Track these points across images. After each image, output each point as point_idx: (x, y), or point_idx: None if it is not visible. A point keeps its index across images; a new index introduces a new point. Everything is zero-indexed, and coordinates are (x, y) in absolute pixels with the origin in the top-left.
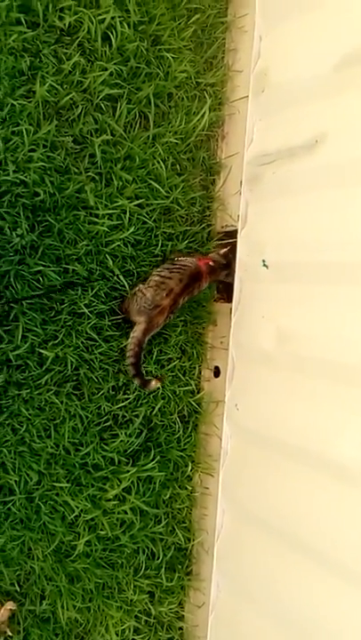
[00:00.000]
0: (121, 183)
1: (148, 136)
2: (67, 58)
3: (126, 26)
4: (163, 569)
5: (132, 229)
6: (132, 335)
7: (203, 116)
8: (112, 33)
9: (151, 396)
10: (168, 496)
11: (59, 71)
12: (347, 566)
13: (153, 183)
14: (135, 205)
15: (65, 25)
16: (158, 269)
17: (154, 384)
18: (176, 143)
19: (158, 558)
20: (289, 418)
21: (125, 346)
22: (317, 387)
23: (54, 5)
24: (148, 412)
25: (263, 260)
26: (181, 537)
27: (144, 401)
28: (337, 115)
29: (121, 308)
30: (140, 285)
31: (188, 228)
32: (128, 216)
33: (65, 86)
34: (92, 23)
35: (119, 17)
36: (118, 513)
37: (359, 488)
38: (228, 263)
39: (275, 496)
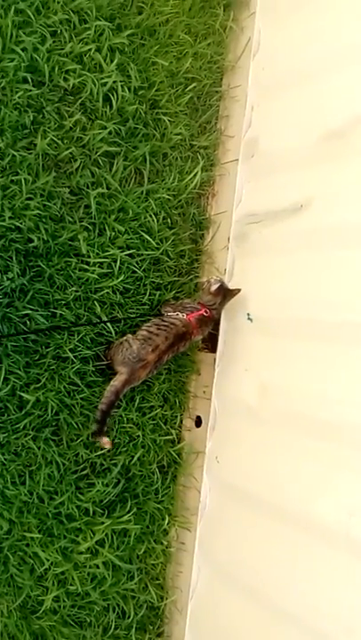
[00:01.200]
0: (113, 233)
1: (143, 191)
2: (69, 115)
3: (127, 90)
4: (133, 629)
5: (121, 277)
6: (111, 384)
7: (195, 175)
8: (113, 95)
9: (131, 444)
10: (142, 550)
11: (60, 127)
12: (325, 632)
13: (144, 235)
14: (126, 255)
15: (69, 85)
16: (148, 324)
17: (105, 441)
18: (168, 199)
19: (129, 617)
20: (270, 474)
21: (102, 392)
22: (299, 443)
23: (60, 67)
24: (127, 460)
25: (248, 314)
26: (154, 595)
27: (123, 449)
28: (320, 183)
29: (106, 355)
30: (129, 335)
31: (177, 278)
32: (118, 265)
33: (65, 141)
34: (95, 85)
35: (120, 81)
36: (90, 567)
37: (340, 551)
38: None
39: (253, 555)
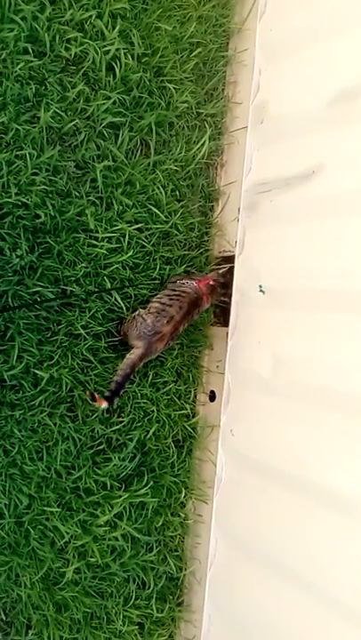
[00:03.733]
0: (121, 207)
1: (149, 163)
2: (71, 86)
3: (130, 57)
4: (153, 599)
5: (130, 253)
6: (128, 356)
7: (203, 145)
8: (116, 64)
9: (146, 419)
10: (160, 523)
11: (63, 99)
12: (342, 601)
13: (152, 208)
14: (134, 229)
15: (70, 55)
16: (158, 296)
17: (105, 404)
18: (176, 170)
19: (149, 588)
20: (285, 445)
21: (115, 368)
22: (314, 414)
23: (61, 36)
24: (143, 435)
25: (260, 286)
26: (173, 566)
27: (138, 424)
28: (333, 147)
29: (119, 331)
30: (141, 310)
31: (187, 252)
32: (127, 240)
33: (69, 113)
34: (97, 54)
35: (123, 49)
36: (109, 540)
37: (357, 520)
38: (226, 283)
39: (269, 526)
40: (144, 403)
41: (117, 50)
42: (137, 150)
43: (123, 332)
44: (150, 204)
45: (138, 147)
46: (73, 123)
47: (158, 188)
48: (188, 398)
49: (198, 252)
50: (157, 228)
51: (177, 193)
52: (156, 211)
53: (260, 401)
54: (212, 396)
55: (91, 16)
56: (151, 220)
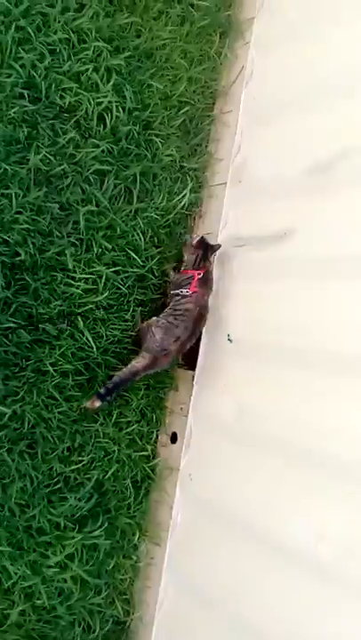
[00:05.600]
0: (100, 250)
1: (131, 210)
2: (63, 132)
3: (121, 110)
4: None
5: (106, 294)
6: (132, 363)
7: (184, 196)
8: (108, 115)
9: (106, 459)
10: (111, 565)
11: (54, 143)
12: None
13: (131, 252)
14: (112, 271)
15: (65, 103)
16: (166, 312)
17: (93, 403)
18: (156, 218)
19: (94, 632)
20: (244, 494)
21: (122, 369)
22: (274, 465)
23: (57, 85)
24: (101, 475)
25: (228, 335)
26: (120, 610)
27: (98, 464)
28: (305, 214)
29: (137, 331)
30: (155, 320)
31: (160, 296)
32: (104, 281)
33: (58, 157)
34: (90, 104)
35: (116, 101)
36: (58, 581)
37: (309, 573)
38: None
39: (221, 572)
40: (106, 442)
41: (110, 102)
42: (120, 197)
43: (138, 333)
44: (129, 248)
45: (122, 194)
46: (61, 167)
47: (138, 234)
48: (150, 439)
49: None
50: (134, 272)
51: (155, 239)
52: (134, 255)
53: (221, 447)
54: (174, 438)
55: (87, 69)
56: (129, 263)
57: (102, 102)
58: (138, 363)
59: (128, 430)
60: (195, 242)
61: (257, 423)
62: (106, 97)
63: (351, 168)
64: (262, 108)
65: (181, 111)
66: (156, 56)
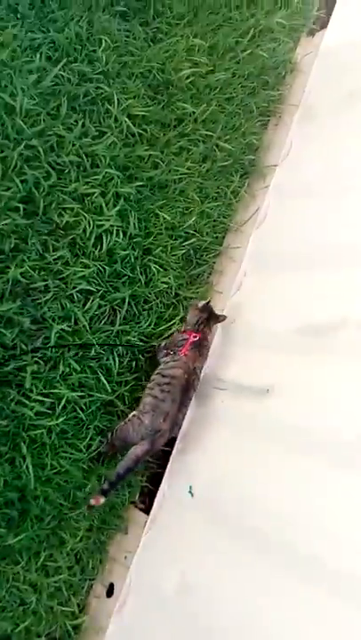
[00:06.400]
0: (68, 370)
1: (113, 331)
2: (53, 249)
3: (122, 235)
4: None
5: (62, 419)
6: (132, 451)
7: (173, 324)
8: (106, 238)
9: (21, 609)
10: None
11: (41, 258)
12: None
13: (101, 376)
14: (76, 395)
15: (62, 221)
16: (149, 386)
17: (98, 500)
18: (139, 344)
19: None
20: None
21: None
22: None
23: (58, 203)
24: (10, 628)
25: (190, 487)
26: None
27: (9, 614)
28: (292, 375)
29: (113, 442)
30: (135, 412)
31: None
32: (63, 404)
33: (42, 272)
34: (90, 226)
35: (118, 226)
36: None
37: None
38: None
39: None
40: (24, 589)
41: (112, 226)
42: (104, 317)
43: (115, 440)
44: (100, 371)
45: (106, 314)
46: (44, 283)
47: (114, 357)
48: (81, 590)
49: None
50: (100, 397)
51: (133, 364)
52: (104, 380)
53: (157, 619)
54: (110, 591)
55: (94, 193)
56: (97, 387)
57: (103, 225)
58: (137, 449)
59: (55, 578)
60: (200, 305)
61: (196, 599)
62: (108, 220)
63: (348, 339)
64: (269, 254)
65: (187, 242)
66: (170, 188)
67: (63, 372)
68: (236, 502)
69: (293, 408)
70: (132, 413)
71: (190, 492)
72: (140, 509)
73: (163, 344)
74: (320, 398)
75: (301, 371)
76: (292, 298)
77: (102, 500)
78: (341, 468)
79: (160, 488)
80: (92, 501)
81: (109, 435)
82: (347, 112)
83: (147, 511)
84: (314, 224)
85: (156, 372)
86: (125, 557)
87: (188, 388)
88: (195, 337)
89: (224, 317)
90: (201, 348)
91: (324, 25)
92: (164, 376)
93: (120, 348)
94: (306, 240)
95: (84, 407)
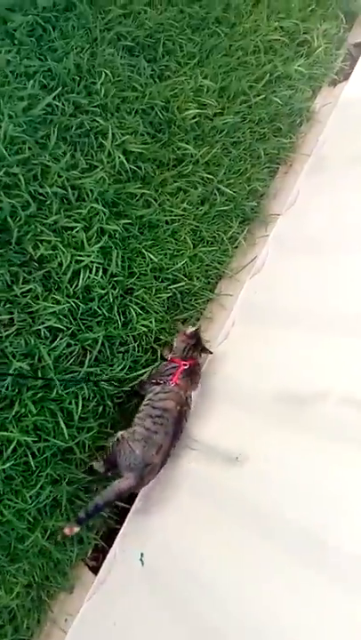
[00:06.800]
0: (23, 410)
1: (79, 372)
2: (23, 281)
3: (102, 272)
4: None
5: (9, 463)
6: (116, 484)
7: (149, 372)
8: (84, 274)
9: None
10: None
11: (9, 289)
12: None
13: (61, 420)
14: (31, 440)
15: (36, 253)
16: (140, 416)
17: (70, 530)
18: (106, 388)
19: None
20: None
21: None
22: None
23: (35, 235)
24: None
25: (142, 554)
26: None
27: None
28: (263, 445)
29: (108, 459)
30: (125, 434)
31: (86, 476)
32: (12, 447)
33: (8, 305)
34: (67, 260)
35: (99, 263)
36: None
37: None
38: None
39: None
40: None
41: (92, 262)
42: (72, 357)
43: (111, 457)
44: (60, 415)
45: (75, 354)
46: (10, 316)
47: (77, 401)
48: None
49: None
50: (56, 443)
51: (99, 409)
52: (63, 424)
53: None
54: None
55: (76, 227)
56: (55, 431)
57: (83, 261)
58: (121, 483)
59: None
60: (189, 331)
61: None
62: (89, 256)
63: (325, 415)
64: (259, 306)
65: (175, 285)
66: (161, 229)
67: (18, 412)
68: (183, 582)
69: (256, 485)
70: (119, 433)
71: (141, 559)
72: (90, 568)
73: (147, 378)
74: (287, 480)
75: (273, 442)
76: (276, 357)
77: (76, 529)
78: (303, 562)
79: (112, 549)
80: (67, 530)
81: (104, 454)
82: (359, 167)
83: (96, 571)
84: (310, 283)
85: (146, 401)
86: (66, 620)
87: (180, 419)
88: (185, 364)
89: (211, 352)
90: (193, 375)
91: (347, 77)
92: (154, 407)
93: (86, 391)
94: (300, 298)
95: (36, 452)
